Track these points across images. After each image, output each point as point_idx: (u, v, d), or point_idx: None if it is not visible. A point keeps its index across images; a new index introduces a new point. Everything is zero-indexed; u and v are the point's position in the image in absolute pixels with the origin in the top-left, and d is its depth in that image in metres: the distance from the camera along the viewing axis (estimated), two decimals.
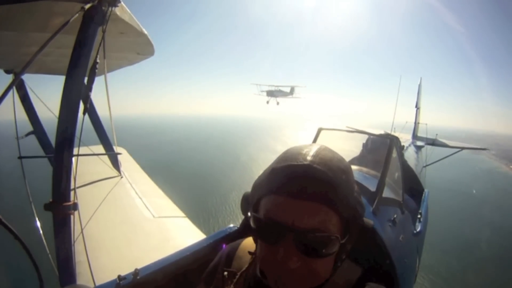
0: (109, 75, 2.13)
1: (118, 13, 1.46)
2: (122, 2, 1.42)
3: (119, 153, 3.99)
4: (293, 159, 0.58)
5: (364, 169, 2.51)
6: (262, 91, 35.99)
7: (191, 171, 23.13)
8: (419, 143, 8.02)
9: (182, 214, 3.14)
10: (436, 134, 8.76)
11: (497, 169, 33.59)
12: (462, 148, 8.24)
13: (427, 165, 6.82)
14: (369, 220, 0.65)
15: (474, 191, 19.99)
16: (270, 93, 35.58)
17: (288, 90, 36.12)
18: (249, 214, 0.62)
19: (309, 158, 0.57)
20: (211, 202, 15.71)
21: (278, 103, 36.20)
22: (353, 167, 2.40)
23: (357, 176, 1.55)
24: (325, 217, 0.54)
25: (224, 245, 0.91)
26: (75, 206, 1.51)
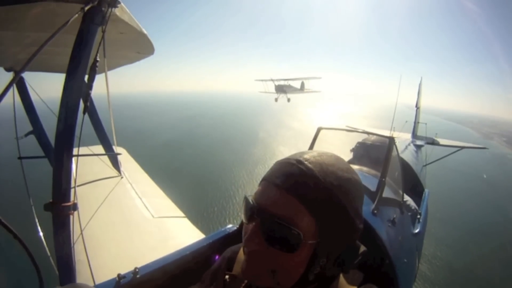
0: (110, 72, 2.12)
1: (118, 13, 1.46)
2: (122, 3, 1.43)
3: (119, 154, 4.00)
4: (292, 155, 0.62)
5: (365, 168, 2.51)
6: (269, 81, 30.17)
7: (211, 149, 23.56)
8: (418, 142, 8.02)
9: (182, 214, 3.16)
10: (436, 134, 8.78)
11: (508, 155, 35.05)
12: (462, 148, 8.32)
13: (427, 164, 6.84)
14: (361, 246, 0.63)
15: (485, 176, 20.40)
16: (280, 89, 30.17)
17: (299, 84, 30.84)
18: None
19: (304, 156, 0.59)
20: (239, 174, 16.98)
21: (289, 100, 30.86)
22: (353, 166, 2.40)
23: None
24: (295, 211, 0.54)
25: (216, 257, 0.90)
26: (74, 207, 1.52)
